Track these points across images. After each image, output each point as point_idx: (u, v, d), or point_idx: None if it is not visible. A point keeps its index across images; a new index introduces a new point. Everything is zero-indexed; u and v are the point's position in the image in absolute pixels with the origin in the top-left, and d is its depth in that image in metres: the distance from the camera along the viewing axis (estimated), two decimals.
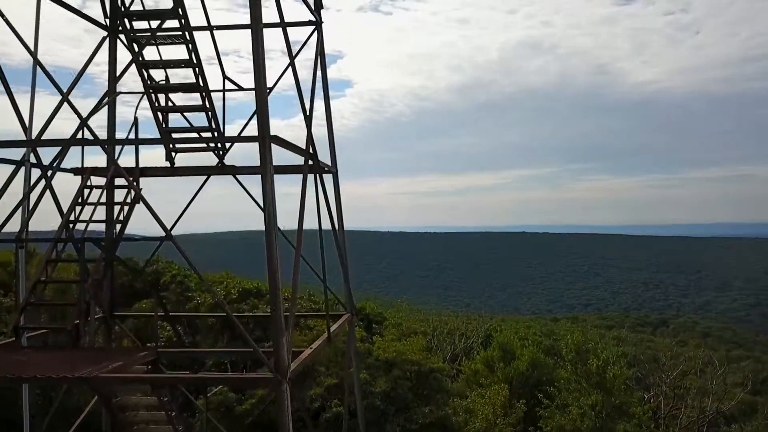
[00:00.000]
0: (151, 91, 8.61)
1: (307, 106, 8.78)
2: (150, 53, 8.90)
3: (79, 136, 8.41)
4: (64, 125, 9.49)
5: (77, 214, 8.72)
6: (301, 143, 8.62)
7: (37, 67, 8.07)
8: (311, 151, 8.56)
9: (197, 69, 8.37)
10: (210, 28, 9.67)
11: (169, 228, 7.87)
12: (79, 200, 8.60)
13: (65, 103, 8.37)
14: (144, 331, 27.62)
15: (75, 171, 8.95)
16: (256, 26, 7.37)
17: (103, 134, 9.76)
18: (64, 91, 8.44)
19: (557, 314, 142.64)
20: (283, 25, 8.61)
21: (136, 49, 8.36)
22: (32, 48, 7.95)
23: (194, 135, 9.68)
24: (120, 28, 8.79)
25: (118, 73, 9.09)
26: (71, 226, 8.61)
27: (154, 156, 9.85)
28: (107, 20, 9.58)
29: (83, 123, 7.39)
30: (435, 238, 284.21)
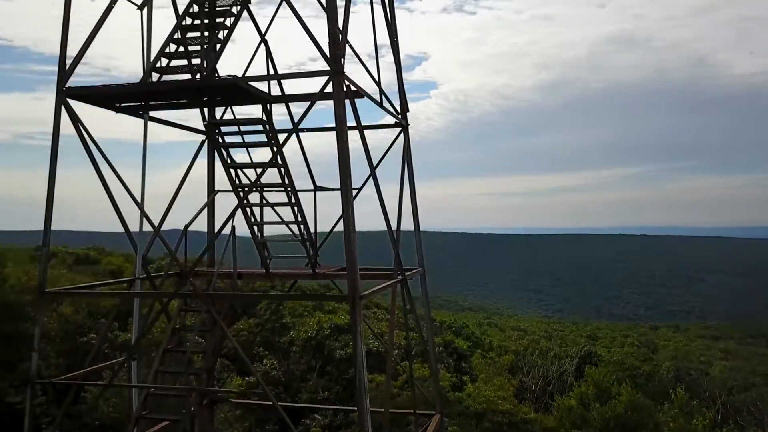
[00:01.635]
0: (246, 205, 9.04)
1: (393, 224, 8.87)
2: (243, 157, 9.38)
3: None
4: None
5: (181, 320, 9.26)
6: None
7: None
8: (399, 273, 8.64)
9: (289, 190, 8.69)
10: (296, 130, 9.93)
11: None
12: (182, 309, 9.13)
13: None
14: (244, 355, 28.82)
15: (178, 275, 9.51)
16: (341, 128, 7.45)
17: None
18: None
19: (657, 321, 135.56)
20: (361, 128, 8.64)
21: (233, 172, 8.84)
22: (138, 199, 8.54)
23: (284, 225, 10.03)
24: (216, 141, 9.29)
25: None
26: (177, 331, 9.15)
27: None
28: (204, 124, 10.13)
29: (188, 274, 7.84)
30: (524, 239, 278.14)
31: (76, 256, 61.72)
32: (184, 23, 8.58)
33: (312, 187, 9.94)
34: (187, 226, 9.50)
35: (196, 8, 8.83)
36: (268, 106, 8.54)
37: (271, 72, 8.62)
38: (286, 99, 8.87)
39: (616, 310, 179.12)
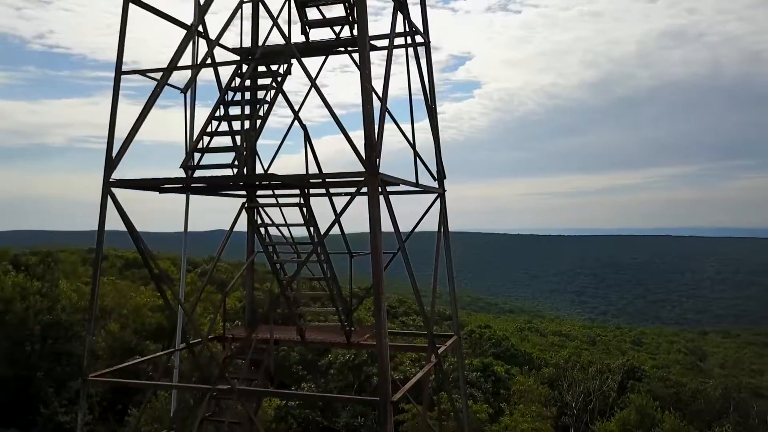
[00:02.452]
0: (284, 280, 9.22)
1: (427, 308, 8.91)
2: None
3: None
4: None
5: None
6: None
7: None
8: (434, 353, 8.68)
9: (326, 265, 8.83)
10: (329, 194, 9.96)
11: None
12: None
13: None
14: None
15: (218, 339, 9.78)
16: (375, 228, 7.43)
17: None
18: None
19: (705, 326, 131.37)
20: (393, 216, 8.70)
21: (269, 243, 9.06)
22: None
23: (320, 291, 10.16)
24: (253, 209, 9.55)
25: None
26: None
27: None
28: (244, 206, 10.37)
29: (223, 370, 8.08)
30: (569, 240, 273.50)
31: (125, 260, 63.52)
32: (226, 98, 8.79)
33: (346, 251, 10.06)
34: (226, 293, 9.72)
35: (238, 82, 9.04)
36: (307, 190, 8.71)
37: (310, 155, 8.69)
38: (326, 185, 8.97)
39: (662, 313, 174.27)
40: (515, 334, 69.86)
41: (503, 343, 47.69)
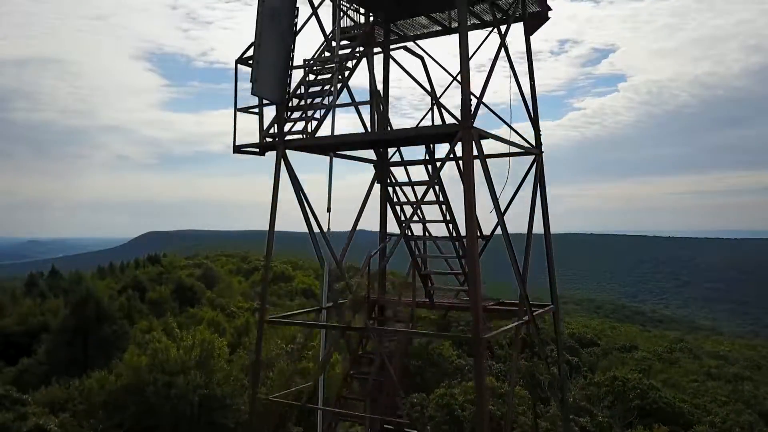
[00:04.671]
0: None
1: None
2: None
3: None
4: None
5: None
6: None
7: None
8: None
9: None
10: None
11: None
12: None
13: None
14: None
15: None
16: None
17: None
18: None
19: None
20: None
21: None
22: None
23: None
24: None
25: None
26: None
27: None
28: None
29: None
30: (727, 244, 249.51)
31: (273, 274, 67.33)
32: None
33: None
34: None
35: None
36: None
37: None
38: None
39: None
40: (664, 358, 64.71)
41: (650, 394, 44.70)
